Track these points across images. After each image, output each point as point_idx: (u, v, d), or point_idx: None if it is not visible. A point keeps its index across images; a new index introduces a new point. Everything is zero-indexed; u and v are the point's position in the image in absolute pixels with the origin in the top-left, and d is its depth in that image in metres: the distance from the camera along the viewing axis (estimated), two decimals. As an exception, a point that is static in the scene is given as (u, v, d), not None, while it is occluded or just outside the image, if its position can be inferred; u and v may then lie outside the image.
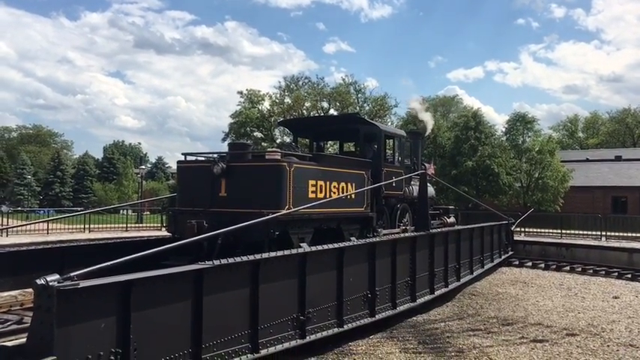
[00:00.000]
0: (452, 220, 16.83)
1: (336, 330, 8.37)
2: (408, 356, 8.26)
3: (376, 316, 9.36)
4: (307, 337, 7.71)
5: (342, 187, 10.77)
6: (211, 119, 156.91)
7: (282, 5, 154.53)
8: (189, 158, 10.47)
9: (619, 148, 67.52)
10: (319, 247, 8.29)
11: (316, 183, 9.95)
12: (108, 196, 68.36)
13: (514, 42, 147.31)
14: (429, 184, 16.98)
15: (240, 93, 55.95)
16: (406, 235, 11.85)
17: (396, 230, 13.14)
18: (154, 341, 5.60)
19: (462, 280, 13.80)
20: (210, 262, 6.32)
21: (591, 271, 18.17)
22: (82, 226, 26.05)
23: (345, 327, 8.54)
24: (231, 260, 6.58)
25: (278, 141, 51.11)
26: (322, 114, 47.60)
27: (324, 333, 8.11)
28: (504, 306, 12.34)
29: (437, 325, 10.41)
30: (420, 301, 11.05)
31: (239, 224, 7.48)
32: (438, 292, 11.95)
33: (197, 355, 6.04)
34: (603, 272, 17.83)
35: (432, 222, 15.14)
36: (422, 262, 11.31)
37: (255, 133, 55.23)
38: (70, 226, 26.63)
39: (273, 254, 7.33)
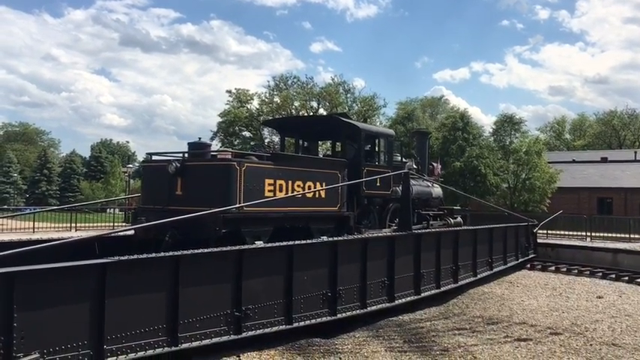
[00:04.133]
0: (458, 220, 16.78)
1: (283, 327, 8.38)
2: (394, 355, 8.30)
3: (338, 315, 9.34)
4: (244, 333, 7.73)
5: (309, 186, 10.77)
6: (198, 118, 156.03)
7: (267, 4, 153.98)
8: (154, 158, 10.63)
9: (605, 149, 68.24)
10: (258, 246, 8.44)
11: (274, 182, 9.98)
12: (95, 195, 67.85)
13: (499, 43, 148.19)
14: (436, 185, 17.00)
15: (229, 92, 55.83)
16: (380, 235, 11.83)
17: (385, 230, 13.15)
18: (47, 336, 5.55)
19: (461, 282, 13.33)
20: (116, 258, 6.29)
21: (576, 271, 18.34)
22: (69, 225, 25.99)
23: (295, 324, 8.54)
24: (144, 256, 6.62)
25: (267, 141, 51.01)
26: (312, 114, 47.53)
27: (267, 330, 8.11)
28: (490, 305, 12.44)
29: (422, 324, 10.47)
30: (399, 301, 10.92)
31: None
32: (425, 294, 11.81)
33: (99, 350, 5.98)
34: (588, 272, 18.01)
35: (432, 222, 15.13)
36: (403, 263, 11.18)
37: (243, 133, 55.17)
38: (57, 225, 26.47)
39: (198, 251, 7.38)
